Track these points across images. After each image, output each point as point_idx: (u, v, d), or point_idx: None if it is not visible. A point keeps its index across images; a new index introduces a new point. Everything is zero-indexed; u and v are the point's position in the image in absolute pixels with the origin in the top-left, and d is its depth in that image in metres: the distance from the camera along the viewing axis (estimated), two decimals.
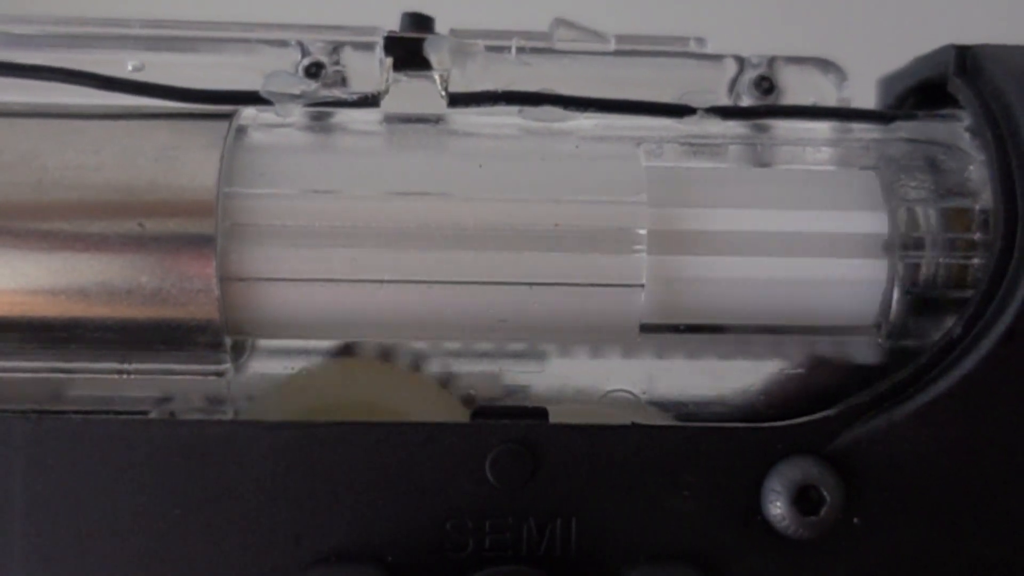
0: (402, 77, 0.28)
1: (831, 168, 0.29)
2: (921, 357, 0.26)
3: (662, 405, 0.28)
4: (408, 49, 0.28)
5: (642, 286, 0.26)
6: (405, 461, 0.25)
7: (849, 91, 0.30)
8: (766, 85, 0.29)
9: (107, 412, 0.27)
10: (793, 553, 0.26)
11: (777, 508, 0.26)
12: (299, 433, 0.25)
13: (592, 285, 0.26)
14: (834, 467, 0.26)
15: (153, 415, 0.27)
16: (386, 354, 0.29)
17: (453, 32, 0.28)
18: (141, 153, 0.26)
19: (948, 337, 0.26)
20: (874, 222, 0.27)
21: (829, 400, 0.26)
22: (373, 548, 0.25)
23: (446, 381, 0.29)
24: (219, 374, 0.27)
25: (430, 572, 0.25)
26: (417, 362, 0.29)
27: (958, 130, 0.28)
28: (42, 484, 0.25)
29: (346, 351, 0.29)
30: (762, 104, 0.29)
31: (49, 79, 0.26)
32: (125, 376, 0.27)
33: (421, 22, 0.29)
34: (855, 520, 0.26)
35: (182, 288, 0.25)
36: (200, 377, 0.27)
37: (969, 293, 0.27)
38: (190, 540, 0.25)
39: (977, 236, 0.27)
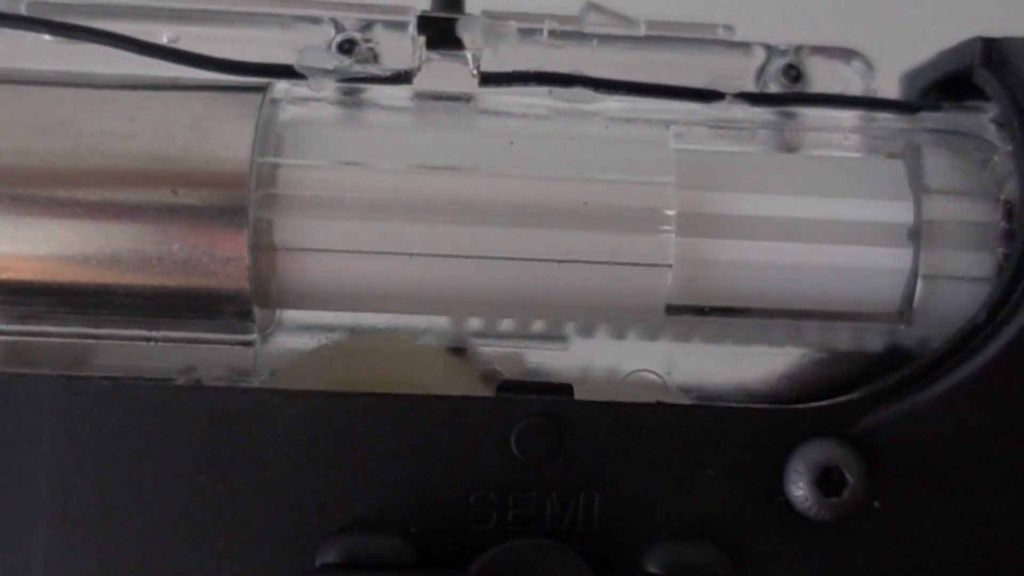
0: (434, 56, 0.28)
1: (858, 156, 0.29)
2: (945, 343, 0.26)
3: (684, 388, 0.29)
4: (441, 28, 0.28)
5: (669, 266, 0.27)
6: (431, 433, 0.26)
7: (876, 81, 0.30)
8: (793, 73, 0.30)
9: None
10: (814, 534, 0.26)
11: (800, 489, 0.26)
12: (326, 403, 0.25)
13: (620, 264, 0.26)
14: (857, 450, 0.26)
15: (180, 382, 0.27)
16: (409, 331, 0.29)
17: (486, 13, 0.29)
18: (175, 122, 0.26)
19: (972, 323, 0.26)
20: (900, 211, 0.27)
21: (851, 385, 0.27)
22: (397, 519, 0.25)
23: (468, 359, 0.29)
24: (246, 344, 0.27)
25: (453, 544, 0.25)
26: (439, 339, 0.29)
27: (983, 121, 0.28)
28: (69, 447, 0.25)
29: (367, 326, 0.29)
30: (790, 91, 0.30)
31: (88, 40, 0.27)
32: (152, 344, 0.27)
33: (452, 2, 0.29)
34: (876, 503, 0.26)
35: (213, 256, 0.26)
36: (227, 347, 0.27)
37: (992, 281, 0.27)
38: (214, 506, 0.25)
39: (1001, 225, 0.27)
